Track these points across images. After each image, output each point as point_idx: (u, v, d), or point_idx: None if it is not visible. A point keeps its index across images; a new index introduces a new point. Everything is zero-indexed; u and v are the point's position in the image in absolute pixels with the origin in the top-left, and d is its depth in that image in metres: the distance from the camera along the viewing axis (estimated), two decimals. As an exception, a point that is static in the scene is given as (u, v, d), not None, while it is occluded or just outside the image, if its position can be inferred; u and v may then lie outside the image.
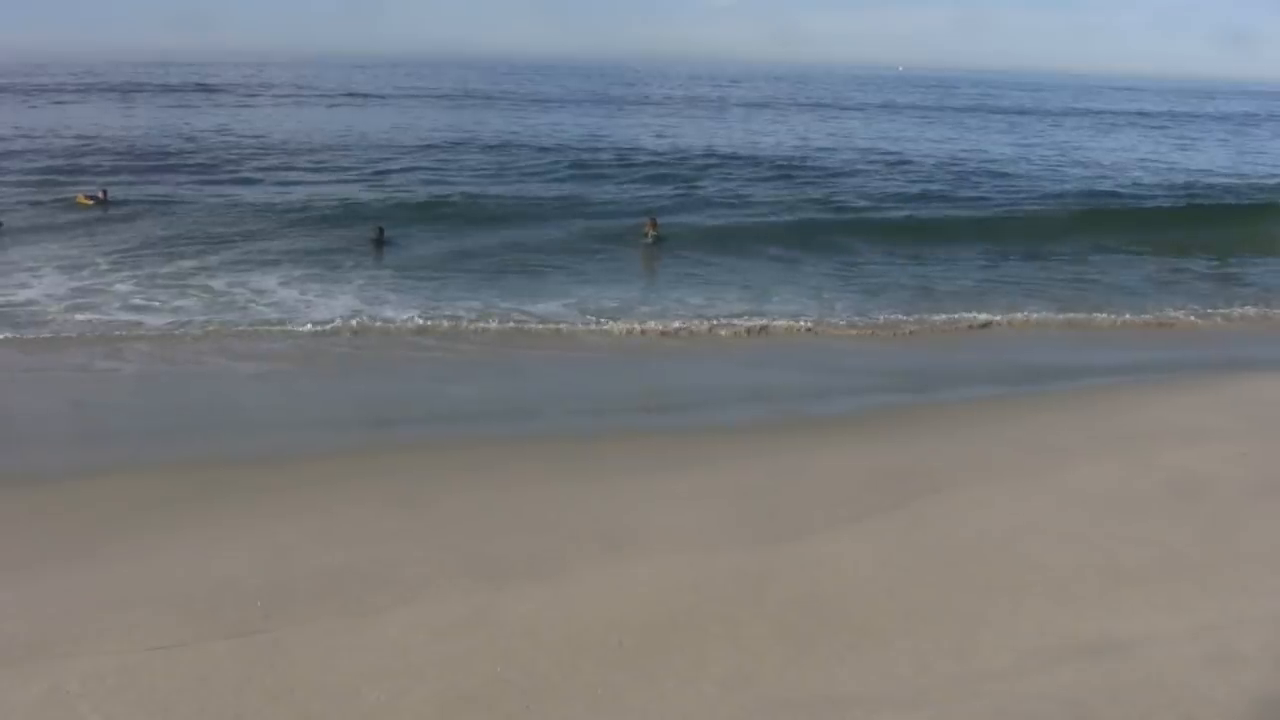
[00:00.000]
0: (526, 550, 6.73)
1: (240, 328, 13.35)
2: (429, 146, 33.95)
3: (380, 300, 14.91)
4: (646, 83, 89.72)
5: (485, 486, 8.09)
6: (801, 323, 14.48)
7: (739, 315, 14.73)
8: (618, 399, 11.43)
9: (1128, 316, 15.62)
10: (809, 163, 32.66)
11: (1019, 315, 15.30)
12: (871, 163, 33.03)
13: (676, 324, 14.12)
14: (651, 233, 19.63)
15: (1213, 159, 39.60)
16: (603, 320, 14.20)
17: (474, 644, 5.55)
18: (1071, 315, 15.53)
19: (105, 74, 69.06)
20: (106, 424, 10.13)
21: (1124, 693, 5.14)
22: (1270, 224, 23.53)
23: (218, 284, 15.47)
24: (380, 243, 18.61)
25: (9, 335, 12.68)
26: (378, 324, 13.71)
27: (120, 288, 15.01)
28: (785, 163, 32.37)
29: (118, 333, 12.94)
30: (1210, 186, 29.73)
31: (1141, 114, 67.12)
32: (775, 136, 41.95)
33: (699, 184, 27.71)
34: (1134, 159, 37.70)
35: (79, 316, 13.51)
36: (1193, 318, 15.74)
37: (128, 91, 55.64)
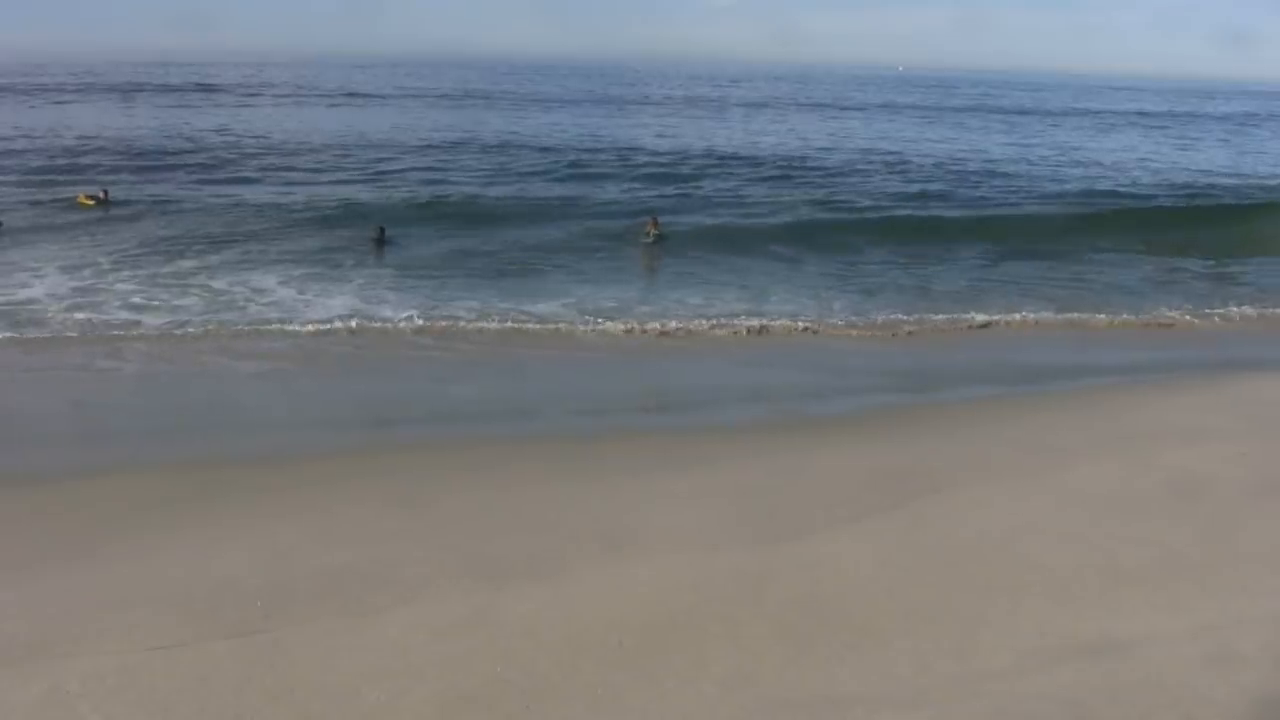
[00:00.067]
0: (526, 550, 6.74)
1: (241, 327, 13.36)
2: (429, 146, 33.96)
3: (381, 300, 14.92)
4: (646, 83, 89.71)
5: (485, 486, 8.09)
6: (801, 323, 14.49)
7: (739, 315, 14.73)
8: (618, 399, 11.43)
9: (1127, 316, 15.63)
10: (809, 163, 32.67)
11: (1018, 315, 15.31)
12: (871, 163, 33.04)
13: (676, 324, 14.12)
14: (653, 232, 19.64)
15: (1212, 159, 39.61)
16: (603, 320, 14.20)
17: (474, 644, 5.55)
18: (1071, 315, 15.54)
19: (105, 74, 69.05)
20: (107, 424, 10.14)
21: (1124, 693, 5.14)
22: (1270, 224, 23.53)
23: (218, 283, 15.48)
24: (381, 242, 18.63)
25: (9, 335, 12.68)
26: (378, 324, 13.72)
27: (121, 287, 15.01)
28: (785, 163, 32.38)
29: (118, 332, 12.94)
30: (1209, 186, 29.73)
31: (1141, 114, 67.13)
32: (775, 136, 41.96)
33: (699, 184, 27.72)
34: (1133, 159, 37.70)
35: (79, 316, 13.52)
36: (1190, 318, 15.74)
37: (128, 91, 55.62)
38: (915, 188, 27.85)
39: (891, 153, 36.37)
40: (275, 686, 5.13)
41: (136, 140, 32.54)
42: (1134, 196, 27.24)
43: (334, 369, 12.07)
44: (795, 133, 44.21)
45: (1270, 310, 16.38)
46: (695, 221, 22.07)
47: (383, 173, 28.00)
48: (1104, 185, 29.29)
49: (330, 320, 13.73)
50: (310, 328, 13.42)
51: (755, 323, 14.31)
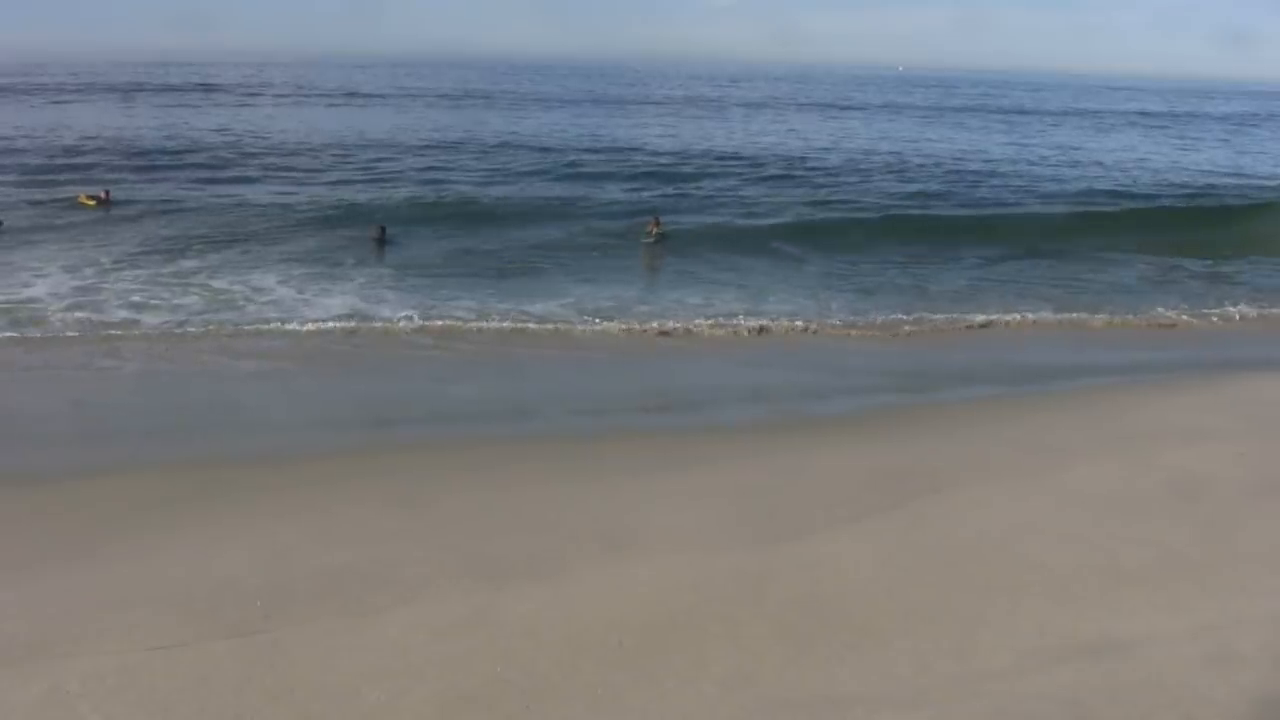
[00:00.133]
0: (526, 550, 6.74)
1: (241, 327, 13.36)
2: (429, 146, 33.96)
3: (381, 300, 14.92)
4: (646, 83, 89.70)
5: (485, 486, 8.09)
6: (801, 323, 14.49)
7: (739, 315, 14.73)
8: (618, 399, 11.43)
9: (1126, 316, 15.64)
10: (808, 163, 32.67)
11: (1018, 315, 15.31)
12: (871, 163, 33.04)
13: (676, 323, 14.12)
14: (654, 231, 19.65)
15: (1212, 159, 39.61)
16: (603, 320, 14.20)
17: (474, 644, 5.55)
18: (1070, 315, 15.55)
19: (105, 74, 69.01)
20: (107, 423, 10.13)
21: (1124, 693, 5.14)
22: (1269, 224, 23.54)
23: (219, 283, 15.49)
24: (382, 242, 18.65)
25: (10, 334, 12.68)
26: (378, 324, 13.72)
27: (121, 287, 15.01)
28: (785, 162, 32.39)
29: (118, 332, 12.95)
30: (1209, 186, 29.73)
31: (1141, 114, 67.12)
32: (774, 136, 41.95)
33: (699, 184, 27.72)
34: (1133, 159, 37.70)
35: (80, 315, 13.52)
36: (1190, 318, 15.75)
37: (128, 91, 55.60)
38: (915, 188, 27.86)
39: (891, 153, 36.37)
40: (275, 686, 5.13)
41: (137, 140, 32.53)
42: (1133, 196, 27.24)
43: (334, 369, 12.07)
44: (795, 133, 44.21)
45: (1269, 310, 16.39)
46: (695, 221, 22.07)
47: (383, 173, 28.00)
48: (1104, 185, 29.30)
49: (330, 320, 13.75)
50: (310, 327, 13.43)
51: (755, 322, 14.31)
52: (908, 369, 12.86)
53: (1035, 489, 8.03)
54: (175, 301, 14.44)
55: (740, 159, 32.76)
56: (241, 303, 14.58)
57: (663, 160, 31.79)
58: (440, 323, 13.85)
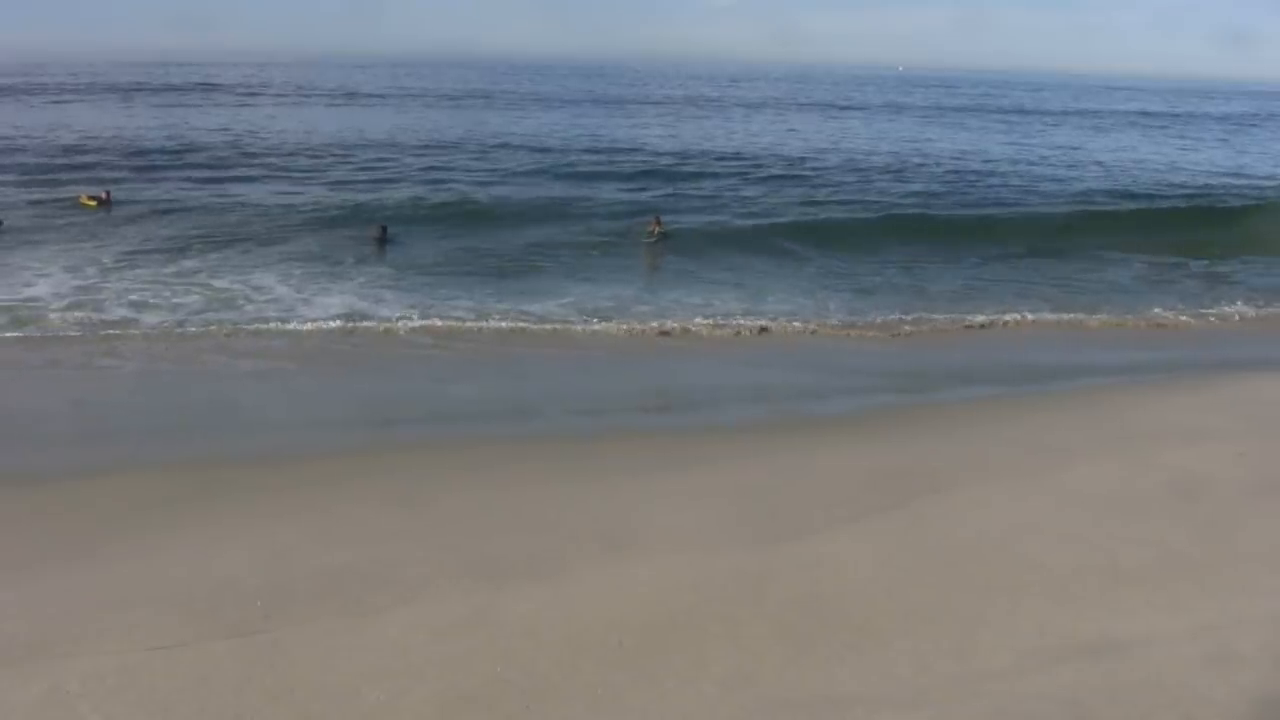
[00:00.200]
0: (526, 550, 6.74)
1: (241, 327, 13.37)
2: (430, 146, 33.96)
3: (382, 300, 14.93)
4: (646, 83, 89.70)
5: (485, 486, 8.09)
6: (801, 323, 14.49)
7: (739, 315, 14.74)
8: (618, 399, 11.43)
9: (1126, 316, 15.64)
10: (808, 163, 32.67)
11: (1017, 315, 15.31)
12: (870, 163, 33.04)
13: (676, 324, 14.12)
14: (656, 231, 19.66)
15: (1212, 159, 39.61)
16: (603, 320, 14.21)
17: (474, 644, 5.55)
18: (1070, 315, 15.55)
19: (105, 74, 69.01)
20: (107, 423, 10.14)
21: (1124, 693, 5.14)
22: (1268, 224, 23.54)
23: (219, 283, 15.49)
24: (383, 241, 18.68)
25: (11, 334, 12.68)
26: (378, 323, 13.73)
27: (122, 286, 15.02)
28: (784, 162, 32.40)
29: (119, 332, 12.96)
30: (1208, 187, 29.74)
31: (1141, 114, 67.11)
32: (774, 136, 41.95)
33: (699, 184, 27.72)
34: (1133, 159, 37.70)
35: (81, 315, 13.52)
36: (1189, 318, 15.75)
37: (128, 91, 55.58)
38: (915, 187, 27.88)
39: (891, 153, 36.38)
40: (275, 686, 5.13)
41: (137, 140, 32.53)
42: (1133, 196, 27.24)
43: (334, 368, 12.07)
44: (795, 133, 44.21)
45: (1269, 310, 16.40)
46: (695, 221, 22.08)
47: (383, 172, 28.00)
48: (1103, 185, 29.31)
49: (330, 319, 13.76)
50: (310, 327, 13.44)
51: (755, 322, 14.32)
52: (907, 369, 12.86)
53: (1035, 489, 8.04)
54: (176, 301, 14.45)
55: (740, 159, 32.76)
56: (242, 302, 14.59)
57: (663, 160, 31.79)
58: (440, 322, 13.86)
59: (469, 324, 13.85)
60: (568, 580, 6.32)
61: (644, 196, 25.12)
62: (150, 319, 13.54)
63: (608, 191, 25.93)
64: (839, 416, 10.71)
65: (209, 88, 60.61)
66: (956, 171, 31.43)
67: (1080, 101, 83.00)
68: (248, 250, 17.91)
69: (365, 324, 13.68)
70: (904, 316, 15.04)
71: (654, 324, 14.07)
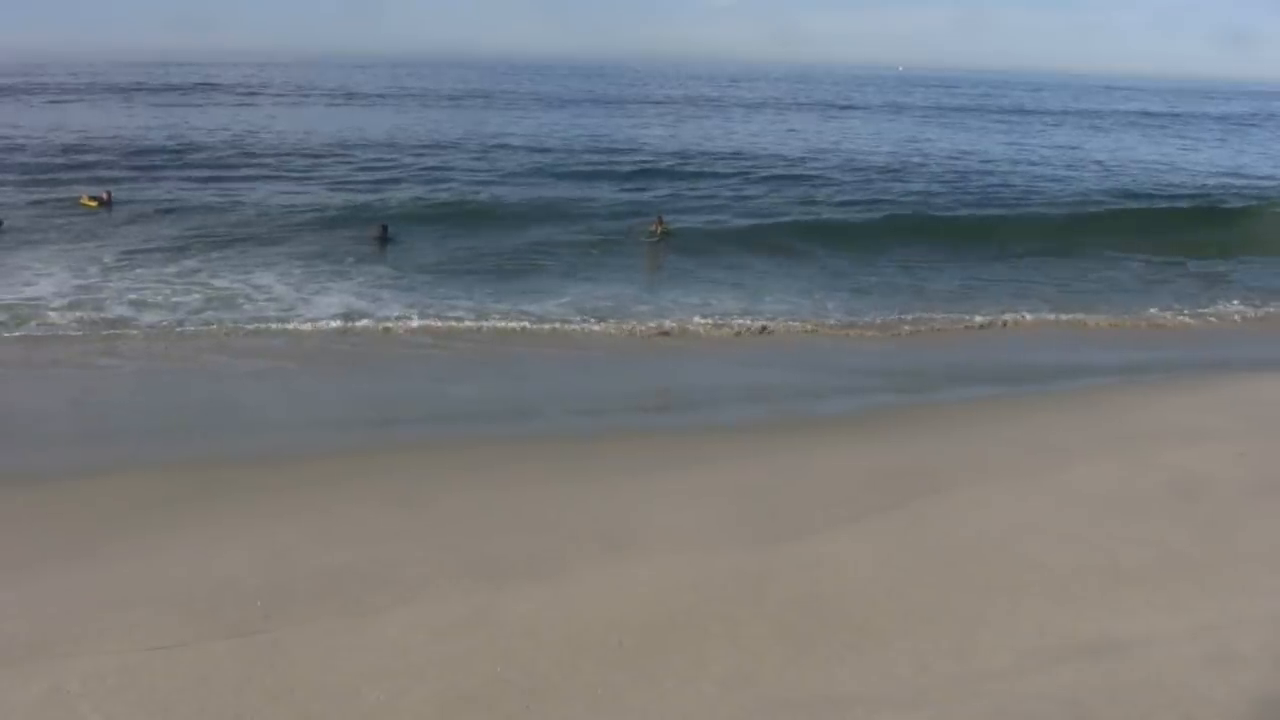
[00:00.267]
0: (526, 550, 6.74)
1: (242, 326, 13.37)
2: (430, 146, 33.96)
3: (382, 300, 14.92)
4: (646, 83, 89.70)
5: (485, 486, 8.09)
6: (801, 323, 14.49)
7: (739, 315, 14.74)
8: (617, 399, 11.43)
9: (1126, 317, 15.64)
10: (808, 163, 32.67)
11: (1017, 315, 15.32)
12: (870, 163, 33.03)
13: (676, 323, 14.12)
14: (659, 230, 19.68)
15: (1211, 159, 39.61)
16: (603, 319, 14.21)
17: (474, 644, 5.55)
18: (1070, 315, 15.55)
19: (105, 74, 69.01)
20: (107, 423, 10.14)
21: (1124, 693, 5.14)
22: (1267, 224, 23.57)
23: (220, 283, 15.50)
24: (384, 240, 18.70)
25: (11, 334, 12.68)
26: (379, 323, 13.73)
27: (122, 286, 15.02)
28: (784, 163, 32.39)
29: (119, 331, 12.96)
30: (1208, 187, 29.73)
31: (1141, 114, 67.12)
32: (774, 136, 41.96)
33: (699, 184, 27.73)
34: (1132, 159, 37.70)
35: (81, 315, 13.52)
36: (1188, 317, 15.75)
37: (128, 91, 55.59)
38: (915, 188, 27.87)
39: (890, 153, 36.38)
40: (275, 686, 5.13)
41: (137, 140, 32.53)
42: (1132, 197, 27.24)
43: (334, 368, 12.08)
44: (795, 133, 44.22)
45: (1268, 310, 16.40)
46: (695, 221, 22.08)
47: (383, 172, 28.00)
48: (1103, 185, 29.30)
49: (331, 319, 13.77)
50: (311, 327, 13.45)
51: (756, 322, 14.32)
52: (907, 369, 12.87)
53: (1035, 489, 8.03)
54: (176, 300, 14.46)
55: (740, 159, 32.76)
56: (242, 302, 14.59)
57: (663, 160, 31.79)
58: (440, 322, 13.86)
59: (469, 324, 13.85)
60: (568, 580, 6.32)
61: (644, 196, 25.12)
62: (151, 318, 13.54)
63: (608, 191, 25.93)
64: (839, 416, 10.71)
65: (209, 88, 60.61)
66: (956, 172, 31.43)
67: (1080, 101, 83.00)
68: (248, 250, 17.91)
69: (365, 324, 13.68)
70: (904, 316, 15.04)
71: (654, 324, 14.07)
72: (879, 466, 8.53)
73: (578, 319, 14.27)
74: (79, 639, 5.56)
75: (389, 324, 13.71)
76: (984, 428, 9.96)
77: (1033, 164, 34.53)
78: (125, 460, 8.72)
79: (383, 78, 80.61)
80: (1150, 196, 27.30)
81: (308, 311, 14.23)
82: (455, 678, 5.23)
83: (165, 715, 4.91)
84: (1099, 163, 35.67)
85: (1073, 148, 41.43)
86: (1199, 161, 38.23)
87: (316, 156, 30.42)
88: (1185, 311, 16.01)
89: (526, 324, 13.95)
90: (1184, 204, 26.04)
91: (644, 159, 31.99)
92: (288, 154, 30.69)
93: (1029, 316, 15.31)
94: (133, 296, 14.53)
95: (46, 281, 15.12)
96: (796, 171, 30.56)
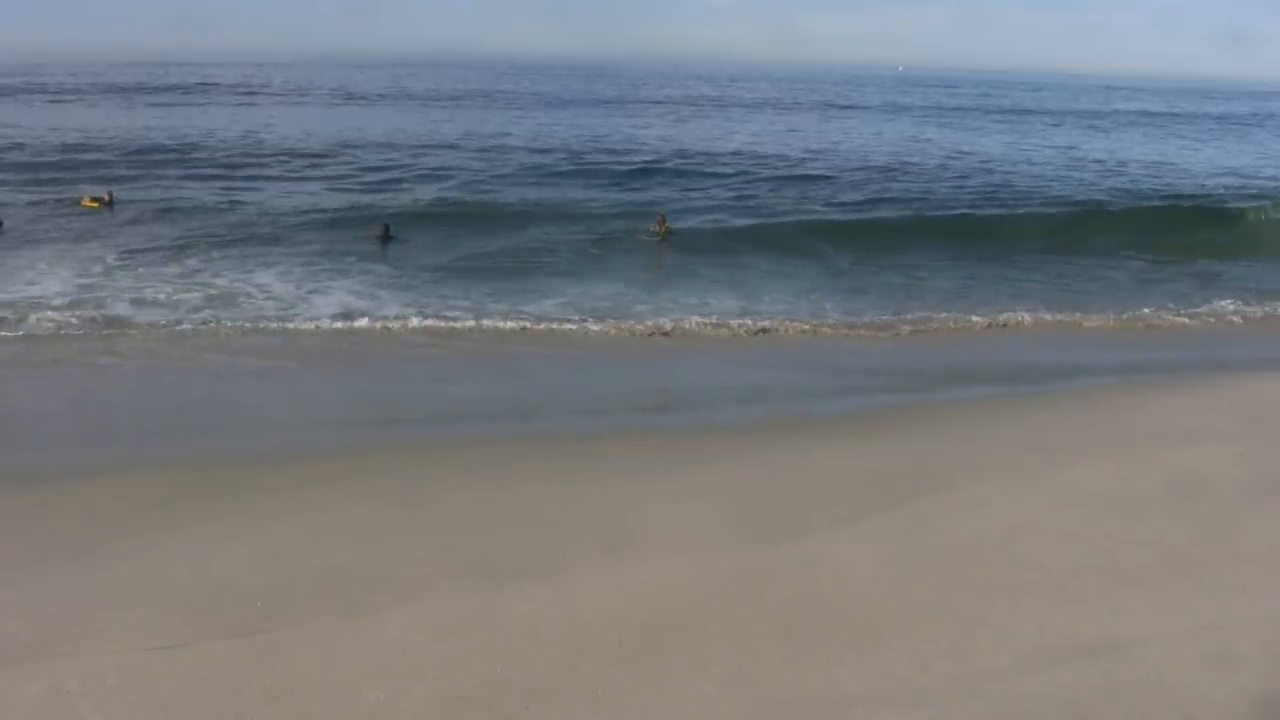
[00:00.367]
0: (526, 550, 6.74)
1: (242, 326, 13.38)
2: (430, 146, 33.97)
3: (382, 299, 14.93)
4: (646, 83, 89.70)
5: (485, 486, 8.09)
6: (801, 323, 14.49)
7: (738, 315, 14.74)
8: (617, 399, 11.43)
9: (1125, 316, 15.64)
10: (807, 163, 32.69)
11: (1016, 315, 15.31)
12: (869, 163, 33.04)
13: (676, 323, 14.12)
14: (661, 230, 19.69)
15: (1211, 159, 39.63)
16: (602, 319, 14.21)
17: (474, 644, 5.55)
18: (1069, 315, 15.55)
19: (105, 74, 69.02)
20: (108, 422, 10.15)
21: (1123, 693, 5.14)
22: (1268, 224, 23.58)
23: (221, 282, 15.51)
24: (386, 239, 18.72)
25: (11, 333, 12.68)
26: (379, 323, 13.73)
27: (123, 285, 15.02)
28: (784, 163, 32.40)
29: (120, 331, 12.96)
30: (1208, 187, 29.75)
31: (1142, 114, 67.15)
32: (774, 136, 41.97)
33: (698, 183, 27.75)
34: (1133, 159, 37.70)
35: (82, 314, 13.52)
36: (1186, 318, 15.75)
37: (129, 91, 55.60)
38: (914, 187, 27.88)
39: (890, 153, 36.40)
40: (275, 686, 5.13)
41: (138, 140, 32.53)
42: (1133, 196, 27.25)
43: (335, 368, 12.08)
44: (795, 133, 44.23)
45: (1269, 310, 16.40)
46: (695, 221, 22.10)
47: (384, 172, 28.03)
48: (1103, 185, 29.31)
49: (332, 319, 13.78)
50: (311, 326, 13.46)
51: (756, 323, 14.32)
52: (906, 369, 12.87)
53: (1035, 489, 8.03)
54: (177, 299, 14.47)
55: (739, 158, 32.77)
56: (243, 301, 14.60)
57: (663, 160, 31.81)
58: (440, 322, 13.86)
59: (469, 323, 13.85)
60: (568, 580, 6.32)
61: (644, 196, 25.13)
62: (151, 318, 13.55)
63: (608, 191, 25.94)
64: (838, 416, 10.71)
65: (209, 88, 60.62)
66: (956, 172, 31.44)
67: (1080, 101, 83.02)
68: (249, 249, 17.92)
69: (366, 323, 13.69)
70: (903, 316, 15.04)
71: (654, 323, 14.07)
72: (878, 466, 8.53)
73: (577, 319, 14.28)
74: (79, 639, 5.55)
75: (390, 323, 13.72)
76: (983, 428, 9.96)
77: (1032, 164, 34.54)
78: (125, 460, 8.72)
79: (383, 78, 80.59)
80: (1150, 196, 27.30)
81: (308, 311, 14.23)
82: (455, 678, 5.23)
83: (165, 715, 4.91)
84: (1099, 162, 35.68)
85: (1073, 147, 41.44)
86: (1199, 161, 38.23)
87: (317, 156, 30.44)
88: (1184, 311, 16.01)
89: (526, 324, 13.96)
90: (1184, 204, 26.03)
91: (644, 159, 32.00)
92: (288, 154, 30.71)
93: (1028, 316, 15.31)
94: (133, 296, 14.54)
95: (47, 281, 15.13)
96: (797, 171, 30.57)
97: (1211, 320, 15.78)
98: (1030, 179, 30.27)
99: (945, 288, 17.25)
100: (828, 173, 30.39)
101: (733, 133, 43.04)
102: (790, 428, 10.06)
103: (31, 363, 11.81)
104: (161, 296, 14.61)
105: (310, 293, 15.20)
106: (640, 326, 13.97)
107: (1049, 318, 15.37)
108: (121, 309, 13.94)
